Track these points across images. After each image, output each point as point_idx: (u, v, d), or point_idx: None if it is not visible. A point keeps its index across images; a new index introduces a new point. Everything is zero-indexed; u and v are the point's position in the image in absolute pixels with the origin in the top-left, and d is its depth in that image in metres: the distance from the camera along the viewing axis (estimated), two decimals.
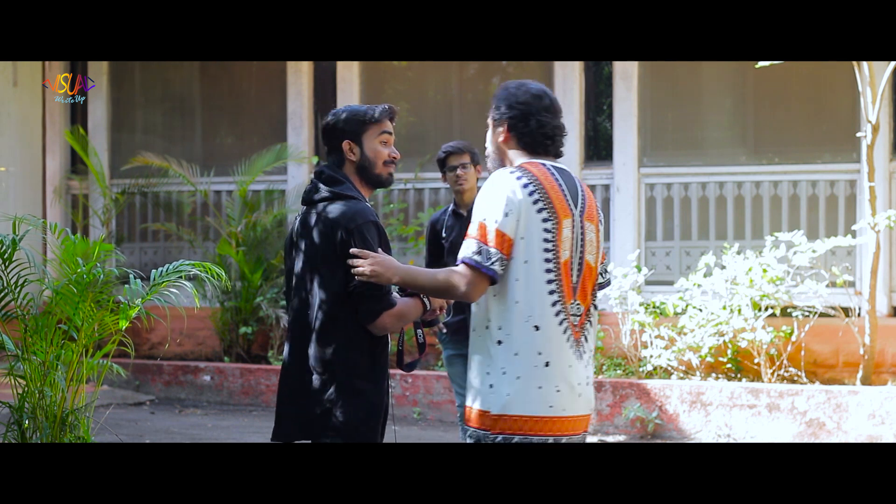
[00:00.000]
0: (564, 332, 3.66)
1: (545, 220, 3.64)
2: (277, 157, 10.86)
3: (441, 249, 6.56)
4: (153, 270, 5.77)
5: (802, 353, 9.15)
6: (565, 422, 3.66)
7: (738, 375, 9.18)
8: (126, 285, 5.64)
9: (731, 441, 8.57)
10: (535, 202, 3.64)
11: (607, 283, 3.91)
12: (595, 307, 3.80)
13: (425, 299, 3.96)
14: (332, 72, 11.14)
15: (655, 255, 10.26)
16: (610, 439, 8.79)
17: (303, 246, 3.98)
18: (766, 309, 9.07)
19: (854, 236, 9.37)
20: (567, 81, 10.39)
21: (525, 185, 3.64)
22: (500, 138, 3.82)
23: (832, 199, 9.87)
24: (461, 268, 3.64)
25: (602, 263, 3.86)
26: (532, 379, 3.61)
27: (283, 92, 11.28)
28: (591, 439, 8.76)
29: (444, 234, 6.48)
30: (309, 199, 4.03)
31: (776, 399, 8.55)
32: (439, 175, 6.54)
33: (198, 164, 11.25)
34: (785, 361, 9.07)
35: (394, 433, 4.17)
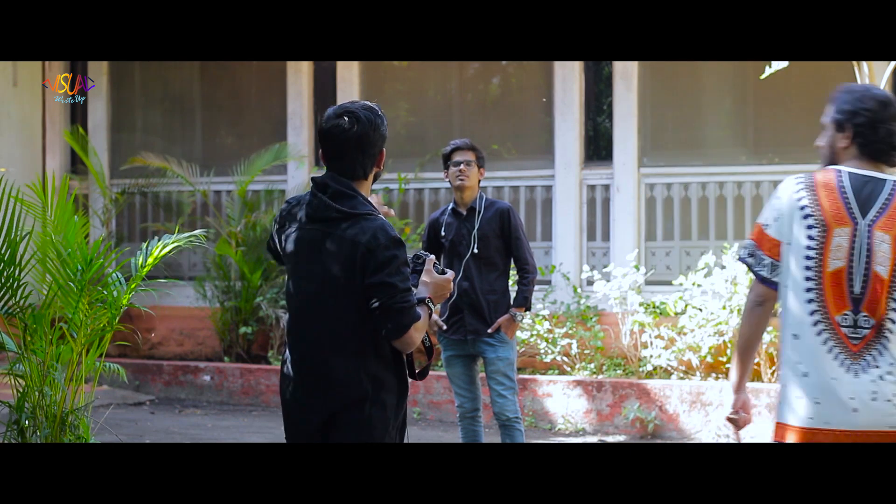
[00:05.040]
0: (824, 343, 3.55)
1: (810, 228, 3.55)
2: (276, 156, 10.86)
3: (439, 249, 6.54)
4: (132, 259, 5.72)
5: None
6: (838, 436, 3.56)
7: None
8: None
9: (731, 441, 8.56)
10: (803, 208, 3.56)
11: None
12: (894, 321, 3.56)
13: (430, 304, 3.78)
14: (332, 72, 11.14)
15: (655, 255, 10.26)
16: (610, 439, 8.79)
17: (321, 266, 3.72)
18: None
19: None
20: (567, 81, 10.39)
21: (797, 191, 3.58)
22: (842, 144, 3.65)
23: None
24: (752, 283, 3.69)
25: None
26: (793, 388, 3.63)
27: (283, 92, 11.28)
28: (590, 439, 8.77)
29: (443, 234, 6.46)
30: (323, 218, 3.71)
31: (776, 399, 8.53)
32: (439, 175, 6.52)
33: (197, 164, 11.25)
34: None
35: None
